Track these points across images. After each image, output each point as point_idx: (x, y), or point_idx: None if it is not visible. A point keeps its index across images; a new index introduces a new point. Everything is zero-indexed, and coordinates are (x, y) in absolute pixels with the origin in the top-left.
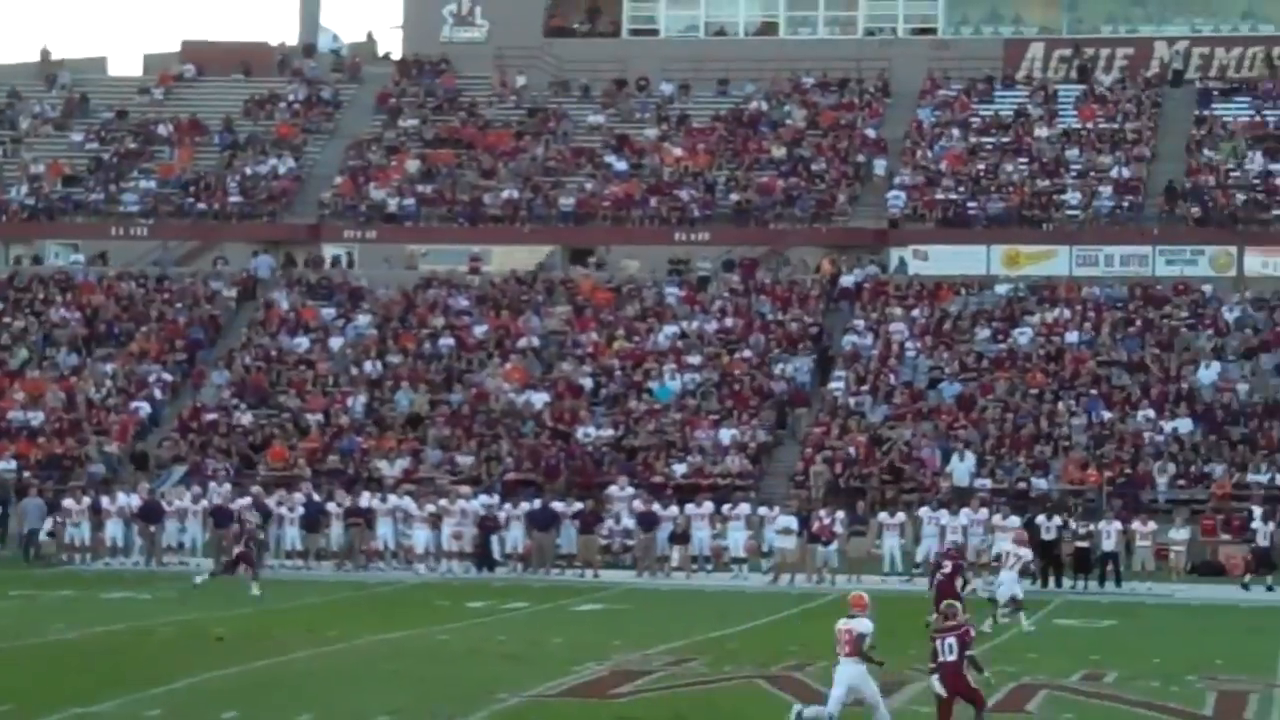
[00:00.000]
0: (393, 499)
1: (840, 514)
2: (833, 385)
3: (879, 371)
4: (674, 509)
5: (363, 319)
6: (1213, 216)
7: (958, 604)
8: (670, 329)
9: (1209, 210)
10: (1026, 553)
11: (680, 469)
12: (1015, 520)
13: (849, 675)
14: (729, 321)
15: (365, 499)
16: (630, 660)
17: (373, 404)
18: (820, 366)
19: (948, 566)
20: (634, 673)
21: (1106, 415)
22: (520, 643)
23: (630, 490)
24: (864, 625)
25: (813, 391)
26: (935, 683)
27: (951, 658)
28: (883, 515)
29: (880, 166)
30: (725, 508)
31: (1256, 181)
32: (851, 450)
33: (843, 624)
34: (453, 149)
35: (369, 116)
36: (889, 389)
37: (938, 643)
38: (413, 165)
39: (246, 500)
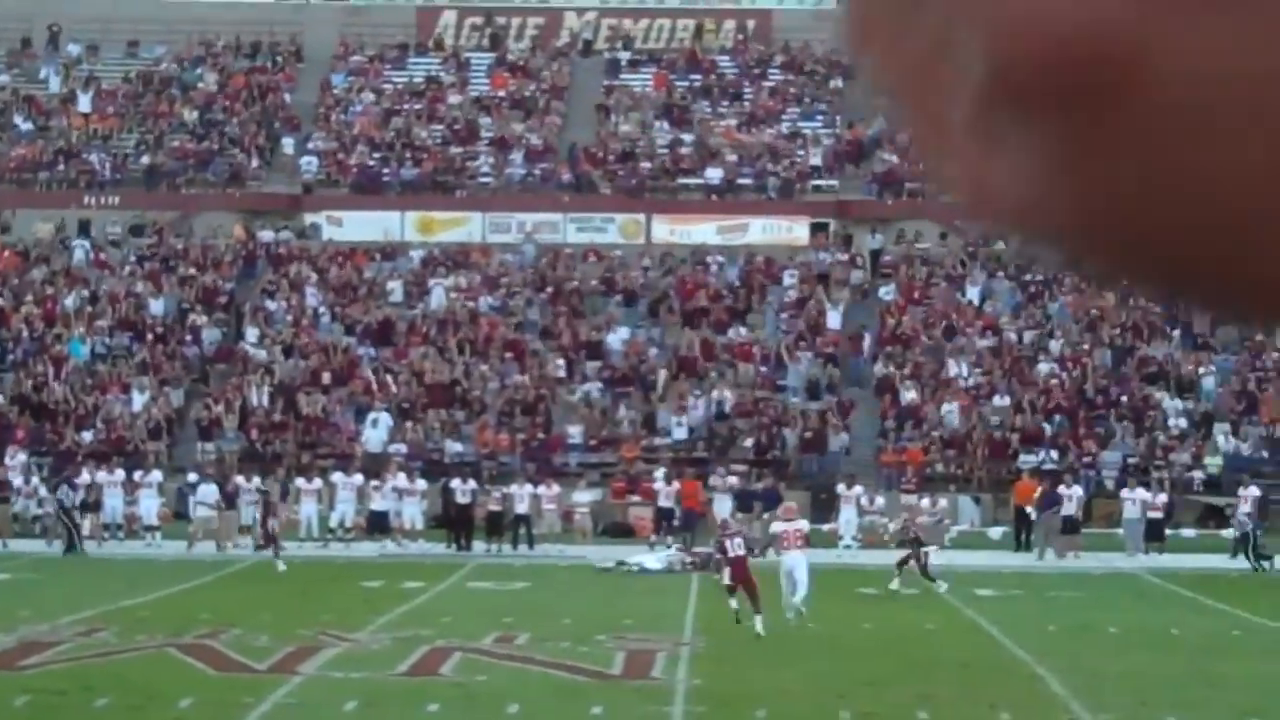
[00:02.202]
0: None
1: (257, 480)
2: (247, 349)
3: (293, 336)
4: (86, 476)
5: None
6: (621, 185)
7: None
8: (80, 292)
9: (618, 178)
10: (803, 524)
11: (90, 435)
12: (422, 484)
13: (797, 562)
14: (140, 286)
15: None
16: (39, 631)
17: None
18: (233, 330)
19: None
20: (42, 644)
21: (520, 379)
22: None
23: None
24: (804, 524)
25: (227, 355)
26: (725, 574)
27: (740, 553)
28: (300, 481)
29: (292, 136)
30: (138, 474)
31: (664, 151)
32: (268, 416)
33: (782, 526)
34: None
35: None
36: (303, 353)
37: (727, 542)
38: None
39: None
